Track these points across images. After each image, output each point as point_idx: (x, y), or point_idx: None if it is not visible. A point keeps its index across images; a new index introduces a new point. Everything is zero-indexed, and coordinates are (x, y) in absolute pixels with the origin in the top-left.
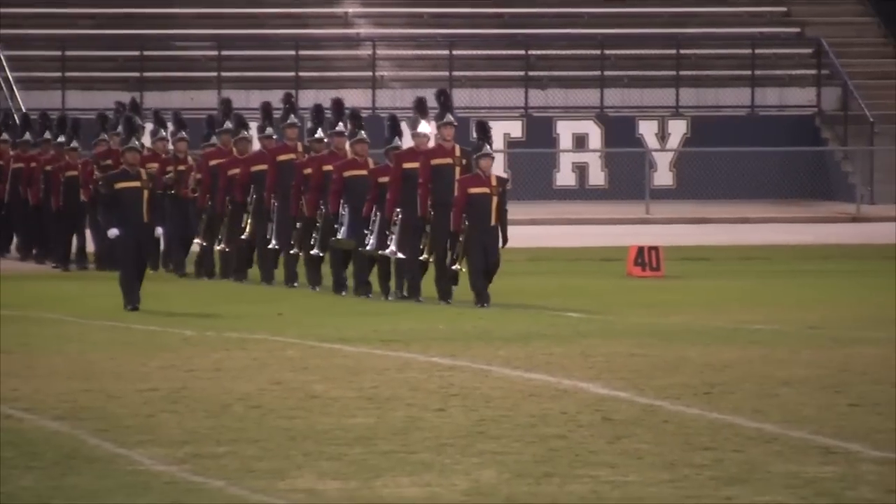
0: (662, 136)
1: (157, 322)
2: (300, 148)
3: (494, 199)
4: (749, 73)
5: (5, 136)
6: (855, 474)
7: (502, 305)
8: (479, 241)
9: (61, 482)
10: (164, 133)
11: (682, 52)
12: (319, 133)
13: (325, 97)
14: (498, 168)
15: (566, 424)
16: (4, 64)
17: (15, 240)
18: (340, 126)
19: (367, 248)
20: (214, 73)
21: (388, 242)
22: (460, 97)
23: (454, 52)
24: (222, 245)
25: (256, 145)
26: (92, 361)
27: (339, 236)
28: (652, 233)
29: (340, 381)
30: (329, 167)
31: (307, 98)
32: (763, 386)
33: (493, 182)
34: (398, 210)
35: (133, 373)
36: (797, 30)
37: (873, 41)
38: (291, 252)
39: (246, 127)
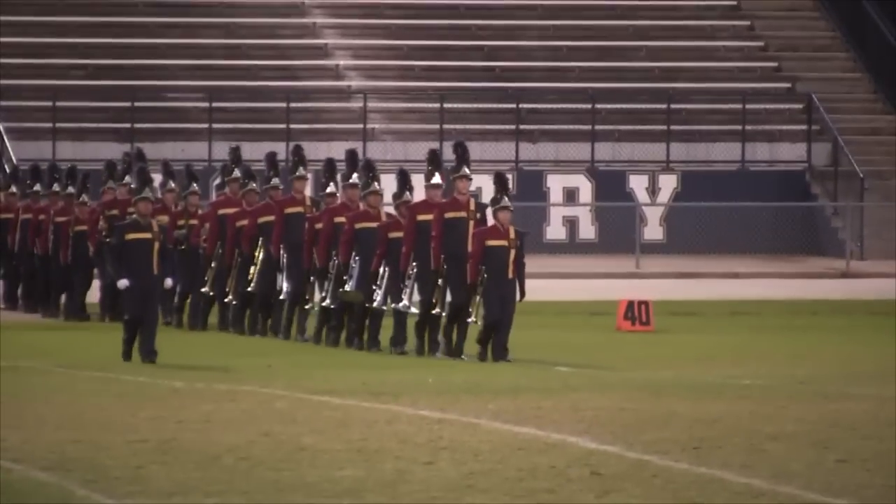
0: (653, 190)
1: (147, 373)
2: (308, 201)
3: (512, 252)
4: (740, 127)
5: (14, 188)
6: None
7: (492, 360)
8: (497, 294)
9: None
10: (172, 184)
11: (672, 106)
12: (332, 188)
13: (316, 149)
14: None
15: (555, 479)
16: None
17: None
18: (355, 178)
19: (375, 304)
20: (205, 125)
21: (402, 296)
22: (451, 150)
23: (445, 105)
24: (229, 297)
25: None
26: (81, 412)
27: (348, 288)
28: (642, 287)
29: (329, 433)
30: (341, 219)
31: None
32: (752, 441)
33: (511, 234)
34: (414, 263)
35: (122, 423)
36: (788, 85)
37: (864, 97)
38: (307, 307)
39: (253, 178)
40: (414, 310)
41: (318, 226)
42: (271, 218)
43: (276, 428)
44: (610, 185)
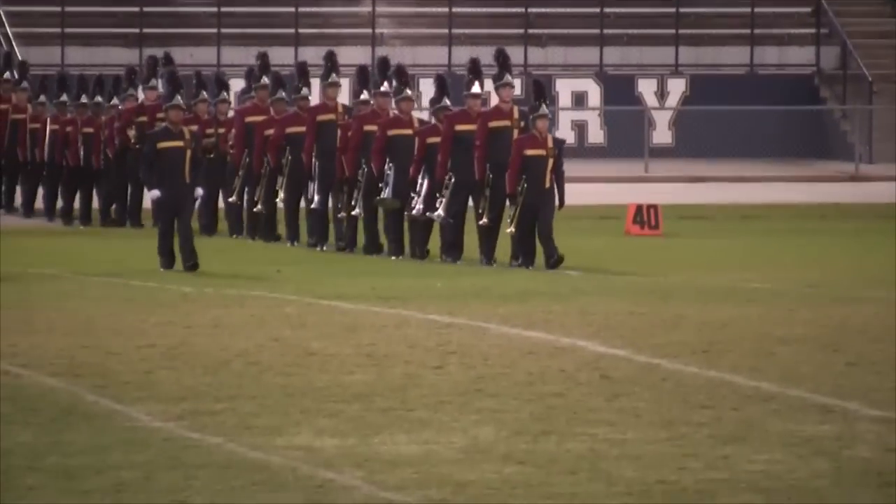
0: (661, 94)
1: (156, 278)
2: (341, 108)
3: (550, 161)
4: (748, 31)
5: (43, 98)
6: (852, 433)
7: (501, 264)
8: (532, 203)
9: (59, 438)
10: (204, 94)
11: (681, 10)
12: (365, 95)
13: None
14: None
15: (564, 382)
16: (4, 20)
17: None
18: (385, 86)
19: (414, 211)
20: (214, 30)
21: (437, 205)
22: (460, 54)
23: (454, 10)
24: (258, 206)
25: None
26: (90, 318)
27: (384, 196)
28: (650, 191)
29: (338, 338)
30: (372, 127)
31: (307, 55)
32: (761, 344)
33: (549, 143)
34: (450, 173)
35: (131, 329)
36: None
37: (872, 0)
38: (339, 216)
39: (284, 86)
40: (450, 220)
41: (350, 133)
42: (300, 128)
43: (286, 333)
44: (618, 89)
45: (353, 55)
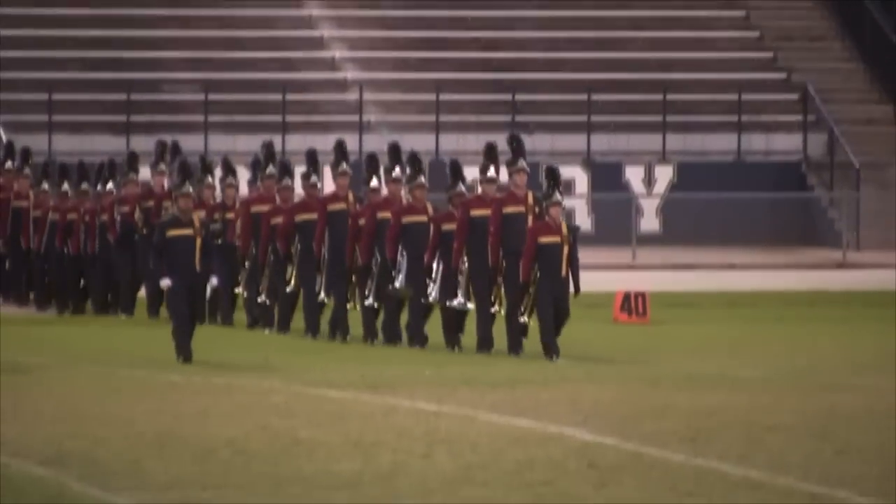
0: (649, 181)
1: (144, 366)
2: (351, 197)
3: (565, 248)
4: (736, 118)
5: (46, 185)
6: None
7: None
8: (550, 291)
9: None
10: (210, 179)
11: (668, 97)
12: (374, 182)
13: (311, 141)
14: None
15: (552, 471)
16: None
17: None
18: (398, 171)
19: (430, 299)
20: (201, 117)
21: (457, 292)
22: (447, 142)
23: (441, 97)
24: (262, 297)
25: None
26: (78, 406)
27: (397, 284)
28: (638, 278)
29: (326, 426)
30: (385, 214)
31: (294, 142)
32: (749, 432)
33: (564, 230)
34: (464, 259)
35: (119, 417)
36: (783, 76)
37: (859, 87)
38: (348, 307)
39: (290, 174)
40: (470, 305)
41: (361, 221)
42: (310, 216)
43: (273, 421)
44: (606, 176)
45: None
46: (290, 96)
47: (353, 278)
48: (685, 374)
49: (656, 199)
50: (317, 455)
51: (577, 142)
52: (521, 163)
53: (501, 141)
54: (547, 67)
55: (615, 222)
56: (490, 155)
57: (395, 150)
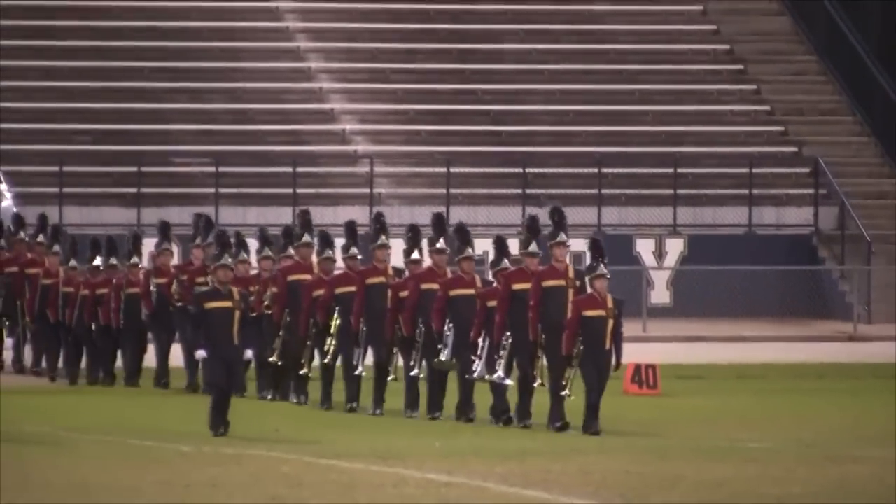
0: (660, 254)
1: (153, 437)
2: (390, 270)
3: (609, 322)
4: (746, 191)
5: (74, 262)
6: None
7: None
8: (594, 363)
9: None
10: (245, 255)
11: (679, 170)
12: (416, 255)
13: (322, 214)
14: None
15: None
16: (2, 178)
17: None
18: (441, 243)
19: (475, 374)
20: (212, 189)
21: (497, 367)
22: (458, 214)
23: (451, 170)
24: (304, 370)
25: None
26: (86, 476)
27: (443, 357)
28: (649, 350)
29: (336, 497)
30: (430, 285)
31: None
32: None
33: (609, 304)
34: (507, 334)
35: (128, 488)
36: (794, 149)
37: (871, 161)
38: (390, 378)
39: (331, 245)
40: (509, 381)
41: (403, 293)
42: (349, 288)
43: (283, 492)
44: (617, 249)
45: (351, 214)
46: (301, 168)
47: (395, 350)
48: (695, 446)
49: (667, 272)
50: None
51: (587, 214)
52: (562, 236)
53: (512, 214)
54: (557, 141)
55: (626, 294)
56: (532, 228)
57: (439, 221)
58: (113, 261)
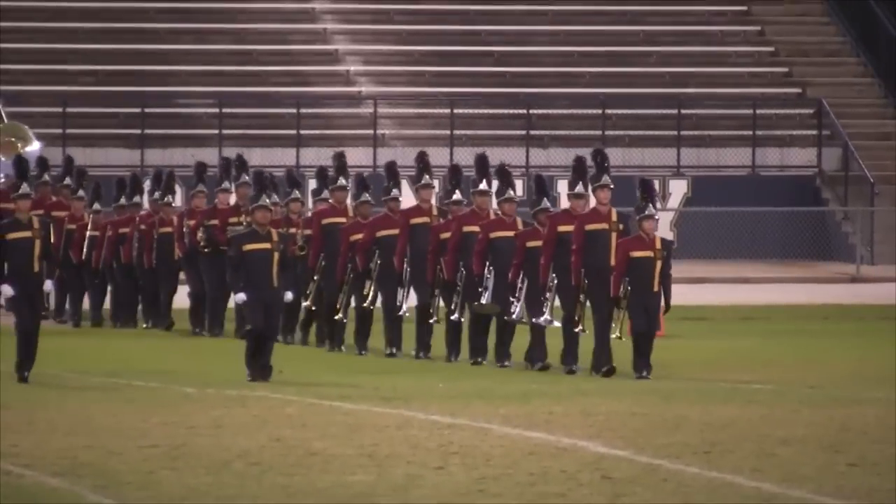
0: (663, 195)
1: (158, 379)
2: (435, 211)
3: (658, 263)
4: (750, 133)
5: (97, 205)
6: None
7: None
8: (642, 305)
9: None
10: (297, 193)
11: (683, 112)
12: (458, 195)
13: (326, 155)
14: None
15: (566, 483)
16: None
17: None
18: (484, 184)
19: (514, 316)
20: (215, 131)
21: (544, 310)
22: (461, 156)
23: (455, 111)
24: (339, 315)
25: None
26: (92, 417)
27: (483, 301)
28: None
29: (340, 438)
30: (472, 228)
31: (308, 156)
32: (762, 445)
33: (658, 245)
34: (553, 276)
35: (133, 429)
36: (798, 90)
37: (874, 102)
38: (431, 321)
39: (368, 188)
40: (557, 323)
41: (445, 235)
42: (391, 231)
43: (287, 433)
44: (620, 190)
45: (354, 156)
46: (305, 110)
47: (436, 293)
48: (698, 388)
49: (671, 214)
50: (331, 467)
51: None
52: (605, 178)
53: (516, 155)
54: (561, 82)
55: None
56: (579, 169)
57: (482, 162)
58: (136, 199)
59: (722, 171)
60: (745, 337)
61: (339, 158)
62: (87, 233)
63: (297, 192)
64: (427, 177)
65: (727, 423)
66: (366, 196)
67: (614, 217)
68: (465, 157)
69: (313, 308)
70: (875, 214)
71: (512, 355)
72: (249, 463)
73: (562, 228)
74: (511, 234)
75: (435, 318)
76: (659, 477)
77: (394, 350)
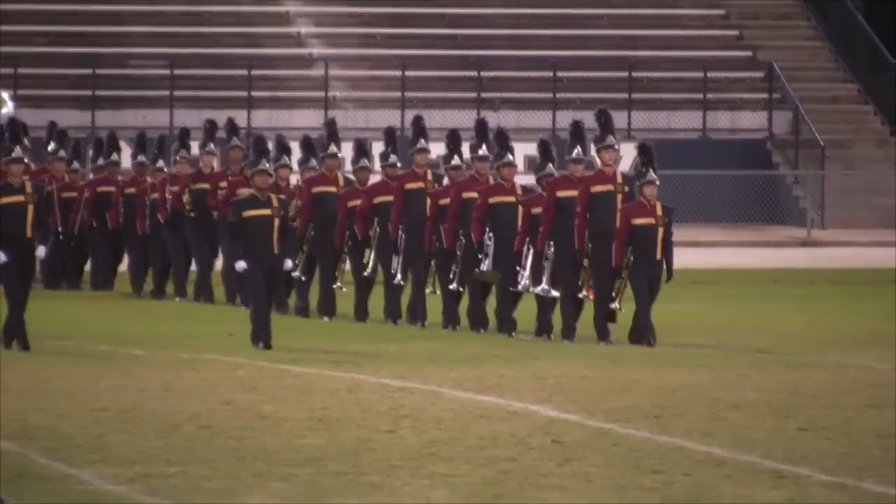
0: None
1: (109, 341)
2: (430, 176)
3: (660, 231)
4: (701, 96)
5: (76, 164)
6: (804, 498)
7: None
8: (645, 274)
9: (11, 502)
10: (287, 159)
11: (634, 74)
12: (457, 160)
13: (277, 117)
14: None
15: (516, 447)
16: None
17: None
18: (484, 149)
19: (520, 287)
20: (167, 92)
21: (542, 279)
22: (412, 117)
23: (407, 73)
24: (338, 283)
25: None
26: (42, 380)
27: (483, 268)
28: None
29: (290, 401)
30: (471, 194)
31: (260, 118)
32: (712, 409)
33: (659, 211)
34: (551, 243)
35: (84, 392)
36: (749, 53)
37: (825, 65)
38: (428, 291)
39: (367, 155)
40: (555, 293)
41: (443, 202)
42: (388, 198)
43: (238, 396)
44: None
45: (306, 118)
46: (256, 72)
47: (433, 261)
48: (649, 351)
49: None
50: (281, 430)
51: (542, 118)
52: (610, 139)
53: (467, 117)
54: (512, 44)
55: None
56: (577, 133)
57: (482, 127)
58: (115, 157)
59: (673, 133)
60: (696, 301)
61: (331, 125)
62: (61, 195)
63: (286, 157)
64: (423, 140)
65: (677, 386)
66: (364, 161)
67: (619, 179)
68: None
69: (303, 278)
70: (826, 178)
71: (517, 322)
72: (200, 426)
73: (561, 193)
74: (511, 199)
75: (430, 289)
76: (609, 441)
77: (391, 319)
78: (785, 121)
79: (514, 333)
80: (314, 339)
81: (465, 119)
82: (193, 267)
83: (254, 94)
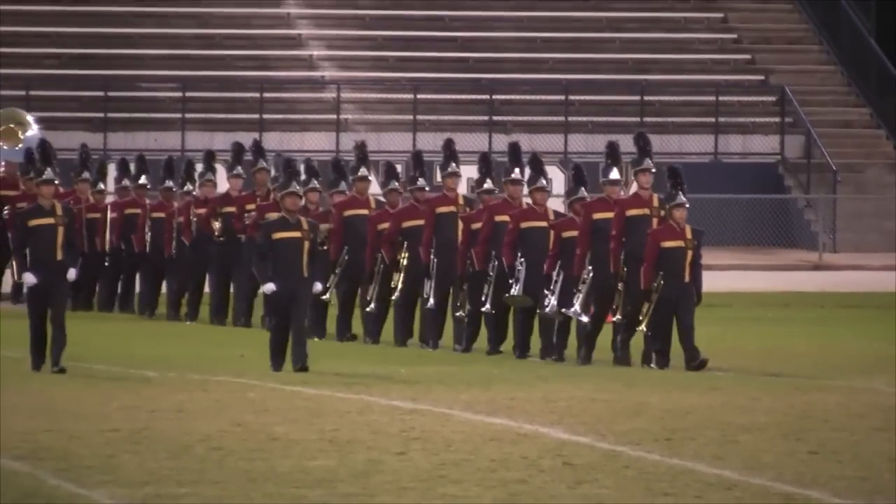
0: (626, 181)
1: (120, 363)
2: (461, 200)
3: (689, 254)
4: (713, 120)
5: (101, 185)
6: None
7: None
8: (670, 299)
9: None
10: (315, 182)
11: (646, 98)
12: (489, 184)
13: (289, 140)
14: None
15: (527, 469)
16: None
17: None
18: (517, 173)
19: (548, 309)
20: (178, 115)
21: (574, 301)
22: (424, 141)
23: (419, 96)
24: (371, 307)
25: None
26: (53, 401)
27: (514, 292)
28: None
29: (301, 423)
30: (503, 217)
31: (271, 140)
32: (723, 432)
33: (688, 234)
34: (589, 267)
35: (95, 413)
36: (761, 77)
37: (837, 90)
38: (458, 315)
39: (397, 178)
40: (585, 318)
41: (476, 226)
42: (417, 222)
43: (249, 418)
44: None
45: (317, 141)
46: (268, 94)
47: (464, 285)
48: (660, 374)
49: None
50: (292, 452)
51: (554, 142)
52: (647, 162)
53: (479, 141)
54: (524, 68)
55: None
56: (613, 155)
57: (514, 150)
58: (143, 180)
59: (684, 157)
60: (707, 324)
61: (362, 148)
62: (86, 216)
63: (315, 181)
64: (454, 164)
65: (688, 409)
66: (394, 184)
67: (655, 202)
68: (427, 142)
69: (332, 302)
70: (837, 202)
71: (530, 346)
72: (210, 447)
73: (597, 216)
74: (543, 223)
75: (461, 313)
76: (620, 463)
77: (432, 344)
78: (797, 145)
79: (527, 355)
80: (325, 360)
81: (477, 142)
82: (207, 289)
83: (265, 116)
